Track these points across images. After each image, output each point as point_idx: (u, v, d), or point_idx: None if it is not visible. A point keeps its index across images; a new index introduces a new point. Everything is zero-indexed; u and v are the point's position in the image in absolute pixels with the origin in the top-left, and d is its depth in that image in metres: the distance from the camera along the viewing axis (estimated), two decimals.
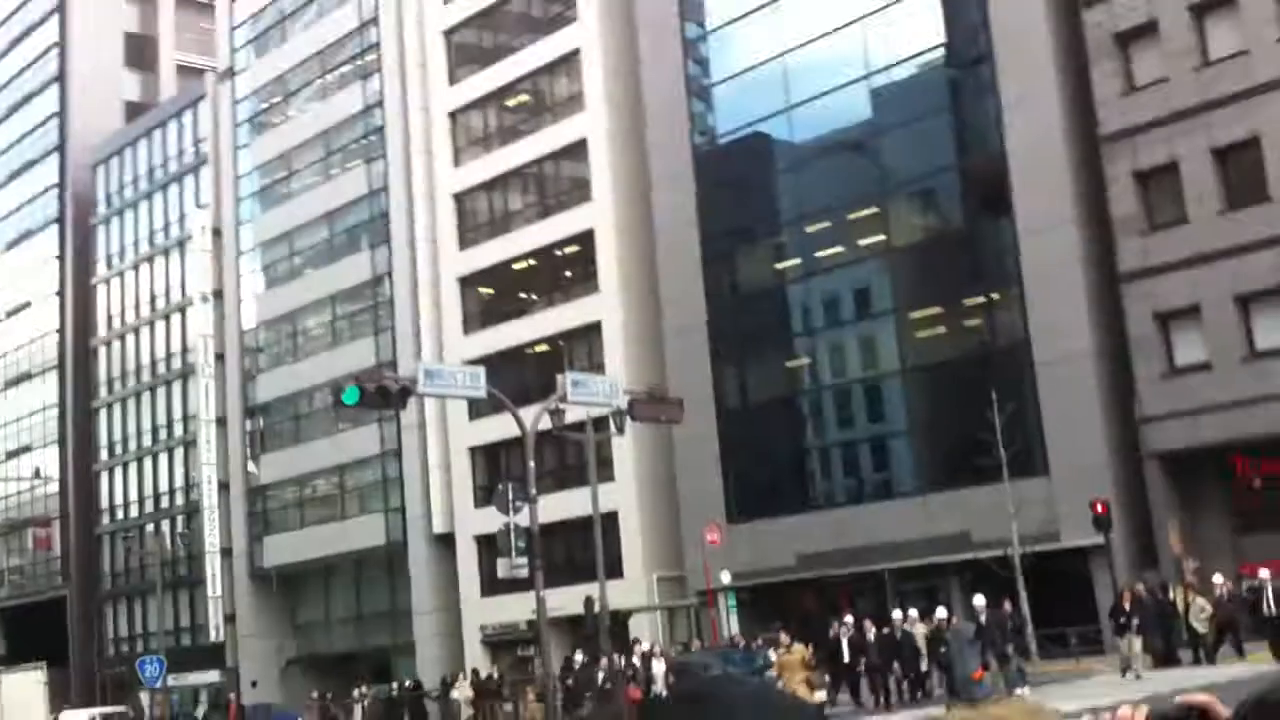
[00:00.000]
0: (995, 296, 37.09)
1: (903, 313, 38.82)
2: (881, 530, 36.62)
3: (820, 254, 40.77)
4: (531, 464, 29.72)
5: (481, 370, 29.51)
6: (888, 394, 39.28)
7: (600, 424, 36.81)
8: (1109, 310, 34.39)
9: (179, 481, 63.45)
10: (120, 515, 67.10)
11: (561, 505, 38.90)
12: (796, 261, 41.46)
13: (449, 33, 52.82)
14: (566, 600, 36.16)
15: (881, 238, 39.52)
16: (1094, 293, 34.59)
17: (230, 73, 62.75)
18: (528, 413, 30.14)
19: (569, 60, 48.07)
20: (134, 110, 73.59)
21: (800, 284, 41.29)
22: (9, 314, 76.32)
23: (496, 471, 47.30)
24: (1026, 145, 35.56)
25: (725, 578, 38.08)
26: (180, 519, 62.71)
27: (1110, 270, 34.40)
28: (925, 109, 38.81)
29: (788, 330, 41.50)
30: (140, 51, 75.50)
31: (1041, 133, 35.31)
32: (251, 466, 58.74)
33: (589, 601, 37.84)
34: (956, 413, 35.94)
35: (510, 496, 29.73)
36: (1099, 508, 31.00)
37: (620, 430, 33.70)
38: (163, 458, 64.70)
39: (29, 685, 43.44)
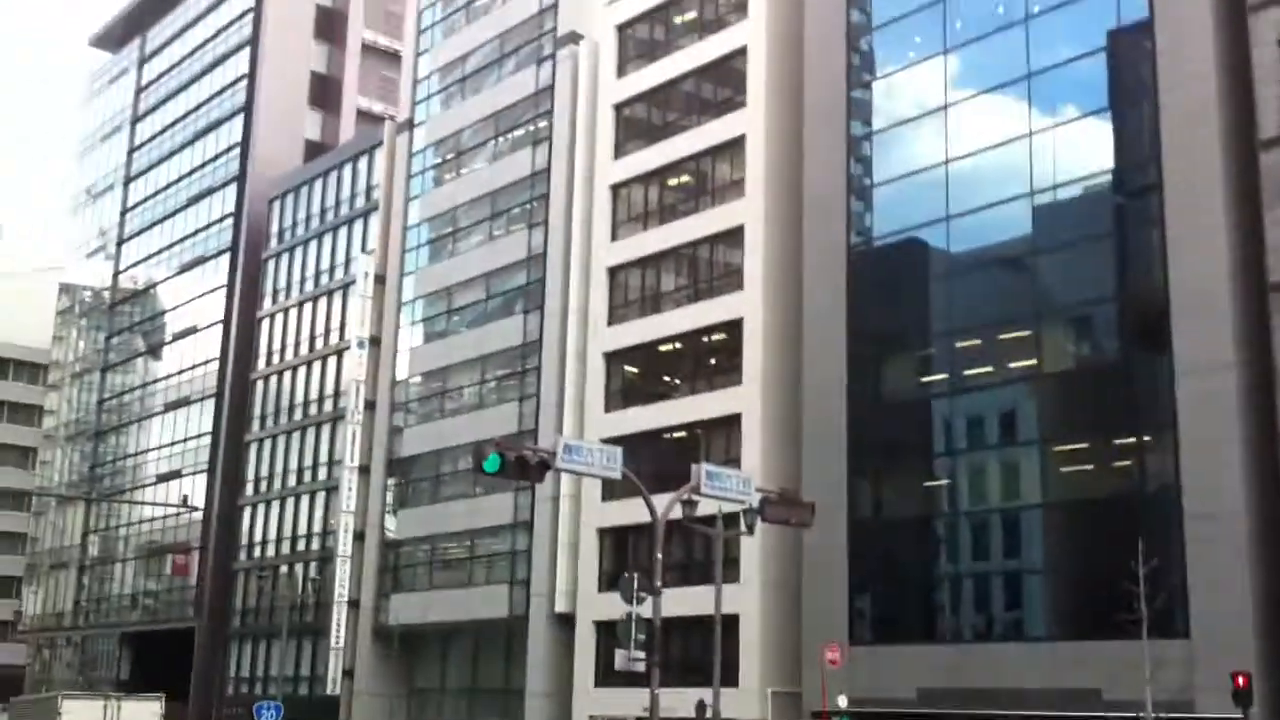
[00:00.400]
0: (1147, 438, 35.28)
1: (1049, 443, 37.21)
2: (1008, 674, 35.03)
3: (968, 371, 39.42)
4: (660, 555, 29.27)
5: (619, 451, 29.03)
6: (1026, 528, 37.61)
7: (730, 521, 36.31)
8: (1266, 469, 32.49)
9: (317, 526, 64.16)
10: (257, 553, 68.12)
11: (683, 601, 38.25)
12: (943, 376, 40.11)
13: (619, 106, 52.85)
14: (678, 702, 35.64)
15: (1032, 362, 37.97)
16: (1251, 448, 32.69)
17: (410, 124, 63.74)
18: (660, 500, 29.68)
19: (734, 145, 47.53)
20: (312, 149, 75.42)
21: (945, 400, 39.94)
22: (175, 337, 78.52)
23: (623, 556, 47.01)
24: (1190, 283, 33.88)
25: (842, 702, 36.89)
26: (314, 564, 63.31)
27: (1270, 427, 32.58)
28: (1087, 232, 37.28)
29: (928, 447, 40.12)
30: (324, 92, 77.50)
31: (1207, 272, 33.61)
32: (388, 520, 59.18)
33: (701, 706, 37.18)
34: (1096, 557, 34.27)
35: (635, 586, 29.31)
36: (1240, 680, 29.04)
37: (750, 530, 33.31)
38: (304, 500, 65.49)
39: (145, 716, 43.60)
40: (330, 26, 78.55)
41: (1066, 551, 36.71)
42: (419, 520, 57.62)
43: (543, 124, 55.80)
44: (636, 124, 52.51)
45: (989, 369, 38.92)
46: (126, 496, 78.06)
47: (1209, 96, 34.57)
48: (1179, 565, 32.64)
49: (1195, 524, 32.65)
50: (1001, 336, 38.71)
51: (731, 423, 45.05)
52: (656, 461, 44.67)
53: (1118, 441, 36.21)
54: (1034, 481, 37.44)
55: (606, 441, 35.96)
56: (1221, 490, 32.39)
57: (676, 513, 30.41)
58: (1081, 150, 37.58)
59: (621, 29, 53.59)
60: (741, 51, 47.82)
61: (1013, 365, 38.48)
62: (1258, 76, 34.21)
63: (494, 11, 60.37)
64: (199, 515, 69.87)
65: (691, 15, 51.40)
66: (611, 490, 46.07)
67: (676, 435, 47.15)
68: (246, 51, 77.03)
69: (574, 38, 55.04)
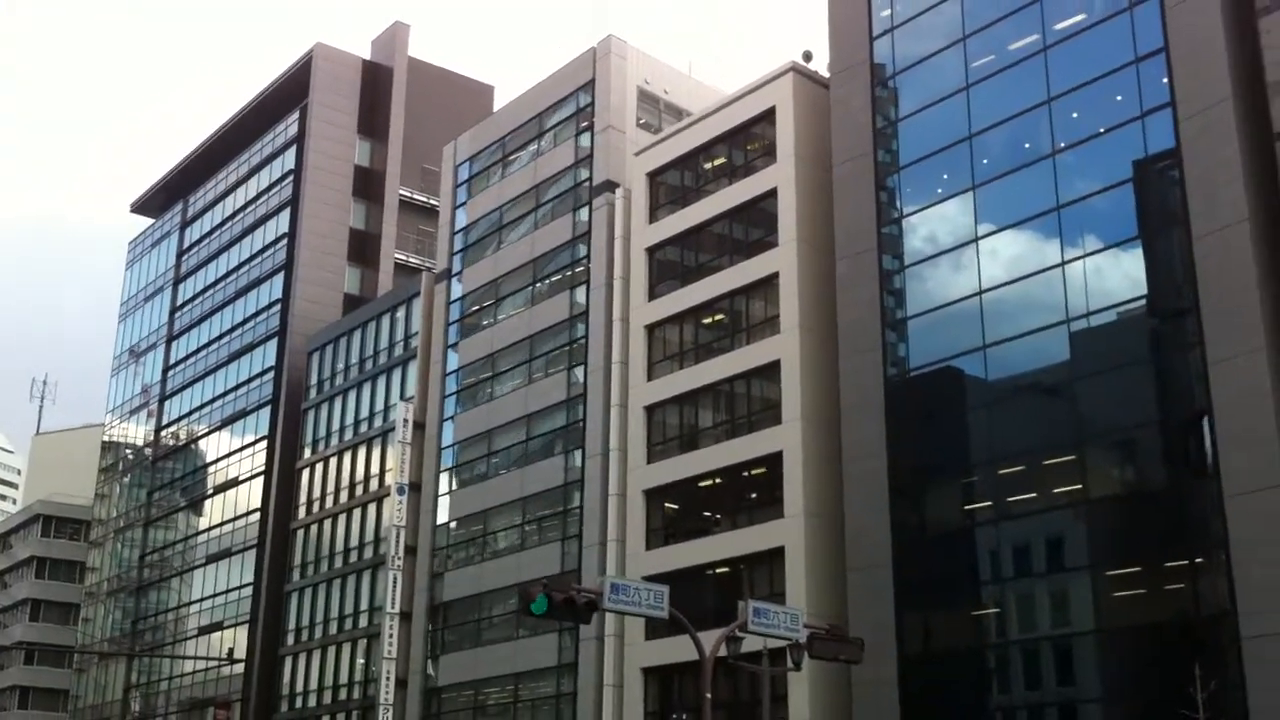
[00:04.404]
0: (1199, 561, 34.97)
1: (1099, 569, 36.87)
2: None
3: (1012, 499, 39.29)
4: (709, 694, 29.01)
5: (665, 589, 29.02)
6: (1079, 655, 37.10)
7: (776, 657, 35.98)
8: None
9: (358, 675, 63.68)
10: (299, 704, 67.50)
11: None
12: (987, 504, 39.97)
13: (652, 249, 53.65)
14: None
15: (1078, 487, 37.83)
16: None
17: (447, 274, 64.79)
18: (706, 638, 29.40)
19: (767, 283, 48.14)
20: (350, 302, 76.74)
21: (990, 528, 39.75)
22: (216, 490, 79.02)
23: (668, 696, 46.55)
24: (1232, 405, 33.86)
25: None
26: (355, 713, 62.72)
27: None
28: (1125, 357, 37.42)
29: (975, 577, 39.81)
30: (362, 247, 79.10)
31: (1249, 393, 33.60)
32: (430, 666, 58.76)
33: None
34: (1152, 683, 33.84)
35: None
36: None
37: (798, 665, 32.76)
38: (346, 648, 65.10)
39: None
40: (368, 185, 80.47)
41: (1122, 678, 36.16)
42: (461, 665, 57.20)
43: (579, 269, 56.69)
44: (670, 266, 53.24)
45: (1033, 495, 38.73)
46: (168, 651, 77.83)
47: (1240, 220, 34.83)
48: (1238, 688, 32.16)
49: (1253, 645, 32.24)
50: (1045, 462, 38.56)
51: (775, 557, 44.83)
52: (699, 598, 44.56)
53: (1169, 565, 35.87)
54: (1086, 608, 37.03)
55: (649, 579, 35.79)
56: (1278, 611, 32.00)
57: (722, 650, 30.25)
58: (1114, 277, 37.92)
59: (653, 176, 54.66)
60: (771, 193, 48.62)
61: (1057, 491, 38.27)
62: None
63: (528, 165, 61.68)
64: (240, 668, 69.44)
65: (721, 161, 52.45)
66: (655, 629, 45.90)
67: (719, 571, 46.94)
68: (287, 212, 78.93)
69: (609, 186, 56.12)
